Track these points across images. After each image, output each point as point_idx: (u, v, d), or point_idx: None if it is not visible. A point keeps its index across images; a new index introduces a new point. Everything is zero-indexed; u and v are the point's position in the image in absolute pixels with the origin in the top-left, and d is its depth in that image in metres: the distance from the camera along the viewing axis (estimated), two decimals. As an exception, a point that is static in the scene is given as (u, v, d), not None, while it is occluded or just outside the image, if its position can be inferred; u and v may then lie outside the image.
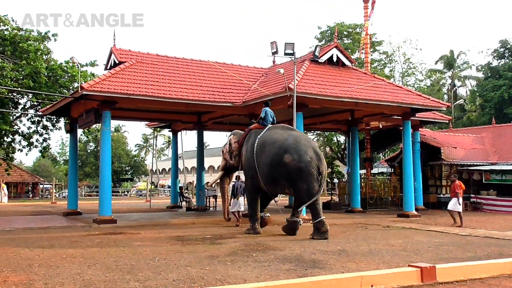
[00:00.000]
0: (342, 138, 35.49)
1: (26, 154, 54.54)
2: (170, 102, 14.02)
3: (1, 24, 19.74)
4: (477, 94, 39.87)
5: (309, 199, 10.02)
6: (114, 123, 47.37)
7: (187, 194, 22.56)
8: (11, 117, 20.46)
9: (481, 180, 19.93)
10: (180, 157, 36.01)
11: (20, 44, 18.98)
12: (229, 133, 13.08)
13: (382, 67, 36.22)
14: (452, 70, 43.93)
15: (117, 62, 15.46)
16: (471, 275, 6.44)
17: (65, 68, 20.37)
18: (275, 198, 12.64)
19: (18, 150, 22.48)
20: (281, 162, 10.27)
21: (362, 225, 13.49)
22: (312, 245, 9.17)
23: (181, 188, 21.23)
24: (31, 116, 21.38)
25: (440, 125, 31.31)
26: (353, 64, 17.71)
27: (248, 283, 5.64)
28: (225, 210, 12.43)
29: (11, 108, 20.46)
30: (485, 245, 9.45)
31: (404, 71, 37.32)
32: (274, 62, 19.09)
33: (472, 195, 20.49)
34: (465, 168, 20.72)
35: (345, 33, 34.49)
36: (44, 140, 22.03)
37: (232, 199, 12.75)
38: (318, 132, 35.33)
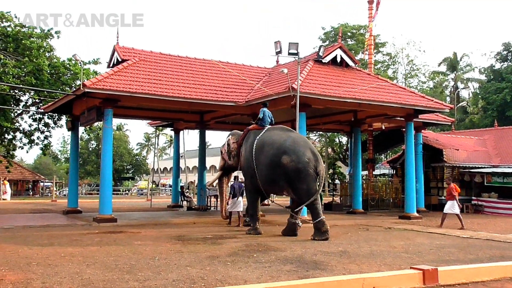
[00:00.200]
0: (344, 139, 35.41)
1: (27, 152, 54.56)
2: (173, 100, 13.97)
3: (4, 20, 19.72)
4: (480, 96, 39.78)
5: (308, 199, 10.06)
6: (116, 121, 47.54)
7: (188, 194, 22.52)
8: (12, 114, 20.45)
9: (483, 183, 19.88)
10: (181, 156, 36.05)
11: (23, 41, 18.95)
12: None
13: (385, 68, 36.14)
14: (455, 72, 43.84)
15: (120, 60, 15.43)
16: (473, 278, 6.40)
17: (68, 65, 20.35)
18: (271, 198, 12.68)
19: (19, 148, 22.49)
20: (279, 164, 10.35)
21: (363, 226, 13.44)
22: (313, 246, 9.11)
23: (182, 187, 21.19)
24: (33, 113, 21.38)
25: (442, 127, 31.22)
26: (356, 65, 17.64)
27: (249, 284, 5.58)
28: (222, 209, 12.61)
29: (12, 105, 20.44)
30: (486, 247, 9.41)
31: (407, 72, 37.24)
32: (277, 62, 19.04)
33: (473, 198, 20.45)
34: (467, 170, 20.66)
35: (348, 34, 34.43)
36: (45, 137, 22.01)
37: (230, 199, 12.79)
38: (321, 133, 35.24)
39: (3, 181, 27.85)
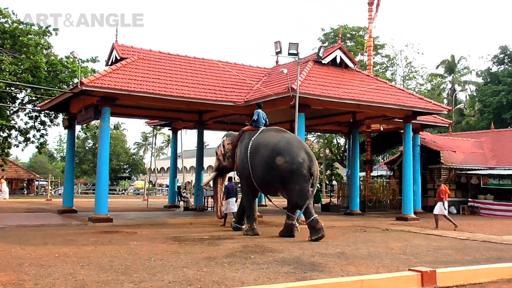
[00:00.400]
0: (342, 140, 35.41)
1: (22, 150, 54.24)
2: (171, 100, 13.88)
3: (1, 17, 19.55)
4: (476, 99, 39.95)
5: (301, 200, 10.16)
6: (113, 120, 47.25)
7: (185, 194, 22.42)
8: (8, 112, 20.27)
9: (479, 184, 19.96)
10: (179, 156, 35.92)
11: (20, 38, 18.79)
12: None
13: (384, 70, 36.19)
14: (452, 74, 43.99)
15: (118, 58, 15.32)
16: (471, 279, 6.39)
17: (66, 63, 20.21)
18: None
19: (14, 146, 22.30)
20: (273, 165, 10.45)
21: (361, 227, 13.40)
22: (311, 247, 9.05)
23: (179, 187, 21.10)
24: (29, 111, 21.20)
25: (439, 129, 31.29)
26: (356, 66, 17.62)
27: (246, 286, 5.52)
28: (217, 209, 12.70)
29: (8, 103, 20.27)
30: (483, 249, 9.42)
31: (405, 74, 37.28)
32: (277, 62, 18.99)
33: (469, 199, 20.51)
34: (464, 172, 20.70)
35: (348, 35, 34.45)
36: (41, 136, 21.84)
37: (224, 200, 12.85)
38: (319, 134, 35.23)
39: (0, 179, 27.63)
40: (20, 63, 18.70)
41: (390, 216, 17.47)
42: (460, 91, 45.46)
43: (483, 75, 41.39)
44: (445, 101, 42.14)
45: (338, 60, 16.40)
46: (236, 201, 13.11)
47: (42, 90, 18.52)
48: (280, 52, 13.45)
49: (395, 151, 27.67)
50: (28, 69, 18.61)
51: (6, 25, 19.42)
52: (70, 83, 19.98)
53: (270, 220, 14.21)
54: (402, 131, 17.84)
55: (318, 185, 26.31)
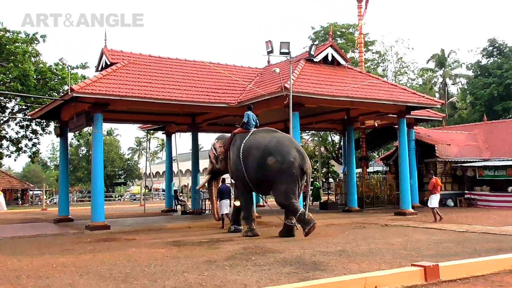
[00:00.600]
0: (336, 138, 35.43)
1: (15, 160, 53.79)
2: (164, 103, 13.79)
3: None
4: (468, 92, 40.24)
5: (286, 200, 10.28)
6: (106, 126, 47.01)
7: (182, 198, 22.27)
8: (-2, 122, 20.04)
9: (475, 176, 20.05)
10: (174, 160, 35.73)
11: (7, 46, 18.58)
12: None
13: (375, 66, 36.29)
14: (443, 68, 44.27)
15: (108, 63, 15.16)
16: (473, 272, 6.39)
17: (55, 70, 20.02)
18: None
19: (6, 156, 22.02)
20: (265, 165, 10.56)
21: (360, 224, 13.39)
22: (311, 246, 9.00)
23: (175, 191, 20.95)
24: (20, 120, 20.97)
25: (432, 123, 31.45)
26: (348, 63, 17.63)
27: (249, 289, 5.44)
28: (214, 211, 12.76)
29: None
30: (483, 241, 9.44)
31: (396, 70, 37.44)
32: (269, 62, 18.92)
33: (466, 192, 20.61)
34: (459, 164, 20.80)
35: (338, 33, 34.49)
36: (34, 145, 21.64)
37: (218, 202, 12.91)
38: (313, 132, 35.23)
39: None
40: (8, 72, 18.48)
41: (388, 211, 17.49)
42: (452, 84, 45.84)
43: (473, 68, 41.72)
44: (437, 95, 42.39)
45: (329, 58, 16.40)
46: (230, 203, 13.20)
47: (32, 98, 18.33)
48: (271, 51, 13.41)
49: (390, 146, 27.76)
50: (17, 78, 18.40)
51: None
52: (61, 90, 19.80)
53: (268, 221, 14.14)
54: (396, 126, 17.86)
55: (317, 183, 26.39)
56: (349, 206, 18.40)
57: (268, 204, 12.81)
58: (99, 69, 15.88)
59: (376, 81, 16.58)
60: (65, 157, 16.94)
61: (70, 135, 19.55)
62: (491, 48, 39.30)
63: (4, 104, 20.45)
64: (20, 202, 35.38)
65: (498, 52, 39.04)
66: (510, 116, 32.87)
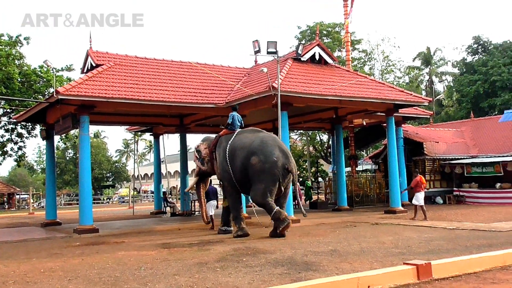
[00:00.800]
0: (325, 137, 35.57)
1: (0, 164, 52.46)
2: (151, 104, 13.67)
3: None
4: (454, 89, 40.75)
5: (262, 199, 10.37)
6: (93, 128, 46.48)
7: (171, 199, 22.08)
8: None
9: (463, 173, 20.26)
10: (162, 162, 35.43)
11: (-10, 49, 18.21)
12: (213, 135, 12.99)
13: (362, 65, 36.54)
14: (429, 66, 44.80)
15: (94, 65, 14.95)
16: (466, 269, 6.41)
17: (40, 72, 19.67)
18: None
19: (-9, 160, 21.59)
20: (248, 165, 10.65)
21: (350, 223, 13.42)
22: (303, 246, 8.98)
23: (164, 193, 20.76)
24: (4, 123, 20.56)
25: (420, 121, 31.76)
26: (335, 62, 17.68)
27: (241, 291, 5.38)
28: (203, 214, 12.74)
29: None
30: (473, 238, 9.50)
31: (383, 68, 37.75)
32: (256, 61, 18.88)
33: (455, 189, 20.82)
34: (447, 162, 21.02)
35: (324, 32, 34.62)
36: (19, 148, 21.27)
37: (206, 203, 12.97)
38: (301, 131, 35.30)
39: None
40: (-9, 75, 18.11)
41: (378, 210, 17.59)
42: (438, 82, 46.40)
43: (458, 65, 42.27)
44: (424, 93, 42.86)
45: (317, 57, 16.42)
46: (216, 203, 13.32)
47: (16, 101, 17.98)
48: (258, 51, 13.40)
49: (379, 145, 27.94)
50: (1, 81, 18.04)
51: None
52: (45, 93, 19.47)
53: (259, 221, 14.09)
54: (384, 124, 17.96)
55: (308, 182, 26.42)
56: (339, 205, 18.47)
57: (254, 207, 12.80)
58: (85, 71, 15.65)
59: (364, 80, 16.66)
60: (51, 160, 16.67)
61: (57, 138, 19.23)
62: (476, 45, 39.87)
63: (-12, 108, 20.07)
64: (6, 207, 34.69)
65: (483, 49, 39.63)
66: (496, 112, 33.31)
